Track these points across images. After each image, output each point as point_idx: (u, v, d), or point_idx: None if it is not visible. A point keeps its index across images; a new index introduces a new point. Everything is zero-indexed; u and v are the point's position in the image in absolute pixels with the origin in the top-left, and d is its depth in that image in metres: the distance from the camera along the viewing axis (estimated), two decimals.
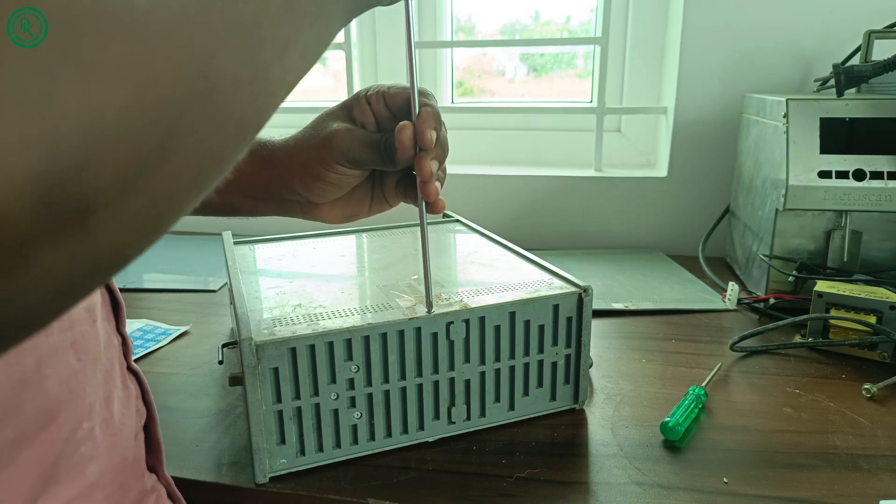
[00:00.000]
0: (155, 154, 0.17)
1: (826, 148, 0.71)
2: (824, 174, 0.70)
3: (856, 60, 0.79)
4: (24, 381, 0.31)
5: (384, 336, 0.46)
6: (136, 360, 0.64)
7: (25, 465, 0.31)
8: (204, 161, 0.20)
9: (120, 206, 0.17)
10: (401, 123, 0.44)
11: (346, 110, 0.49)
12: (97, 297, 0.38)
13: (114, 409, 0.38)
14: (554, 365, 0.52)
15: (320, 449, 0.47)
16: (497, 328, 0.49)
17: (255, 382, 0.44)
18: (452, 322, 0.48)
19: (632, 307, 0.77)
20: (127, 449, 0.39)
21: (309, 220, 0.53)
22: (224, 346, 0.66)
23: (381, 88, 0.48)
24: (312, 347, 0.45)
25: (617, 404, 0.56)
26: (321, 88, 1.34)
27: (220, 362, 0.64)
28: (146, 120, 0.17)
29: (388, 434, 0.49)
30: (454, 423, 0.50)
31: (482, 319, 0.49)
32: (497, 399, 0.51)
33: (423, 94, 0.46)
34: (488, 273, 0.57)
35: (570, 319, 0.52)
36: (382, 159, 0.46)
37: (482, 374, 0.50)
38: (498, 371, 0.50)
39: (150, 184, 0.18)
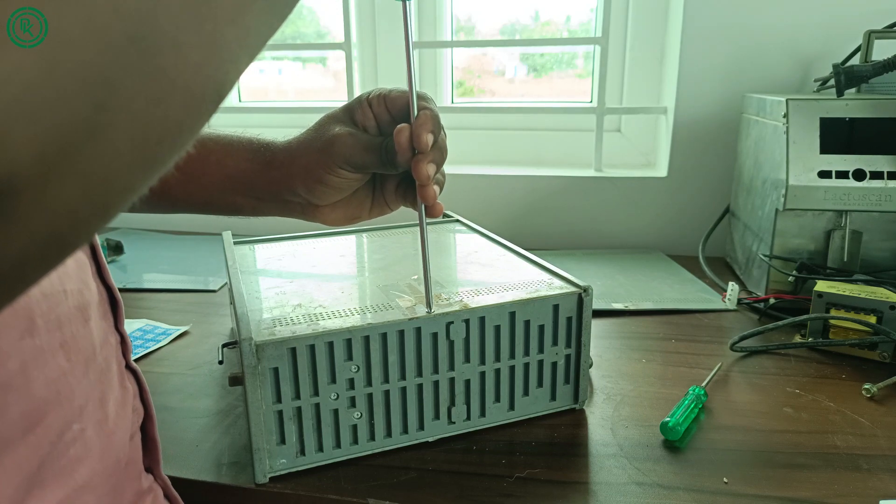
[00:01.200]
0: (80, 130, 0.16)
1: (826, 148, 0.71)
2: (824, 174, 0.70)
3: (856, 60, 0.79)
4: (6, 385, 0.30)
5: (384, 336, 0.46)
6: (136, 361, 0.65)
7: (7, 470, 0.31)
8: (145, 138, 0.17)
9: (45, 188, 0.16)
10: (399, 126, 0.45)
11: (348, 113, 0.49)
12: (91, 296, 0.38)
13: (109, 409, 0.38)
14: (554, 365, 0.52)
15: (320, 449, 0.47)
16: (497, 328, 0.49)
17: (255, 382, 0.44)
18: (452, 322, 0.48)
19: (632, 307, 0.77)
20: (121, 450, 0.39)
21: (309, 221, 0.53)
22: (224, 346, 0.66)
23: (382, 91, 0.48)
24: (312, 347, 0.45)
25: (617, 404, 0.56)
26: (321, 88, 1.34)
27: (220, 362, 0.64)
28: (63, 91, 0.15)
29: (388, 434, 0.49)
30: (454, 423, 0.50)
31: (482, 319, 0.49)
32: (497, 399, 0.51)
33: (421, 97, 0.46)
34: (488, 273, 0.57)
35: (570, 319, 0.52)
36: (383, 163, 0.47)
37: (482, 374, 0.50)
38: (498, 371, 0.50)
39: (79, 164, 0.16)
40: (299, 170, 0.49)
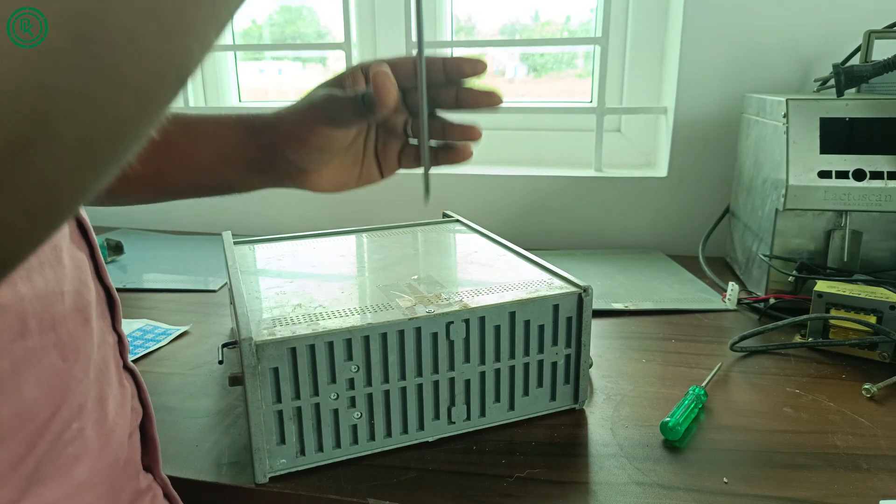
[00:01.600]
0: (9, 150, 0.14)
1: (826, 148, 0.70)
2: (824, 174, 0.70)
3: (856, 60, 0.79)
4: None
5: (384, 336, 0.46)
6: (135, 361, 0.65)
7: (2, 468, 0.31)
8: (92, 139, 0.16)
9: None
10: (374, 69, 0.45)
11: (337, 79, 0.51)
12: (91, 296, 0.38)
13: (108, 408, 0.38)
14: (554, 365, 0.52)
15: (320, 449, 0.47)
16: (497, 328, 0.49)
17: (255, 382, 0.44)
18: (452, 322, 0.48)
19: (632, 307, 0.77)
20: (120, 449, 0.39)
21: (299, 188, 0.54)
22: (224, 346, 0.66)
23: (384, 62, 0.49)
24: (312, 347, 0.45)
25: (617, 404, 0.56)
26: None
27: (220, 362, 0.64)
28: None
29: (388, 434, 0.49)
30: (454, 423, 0.50)
31: (482, 319, 0.49)
32: (497, 399, 0.51)
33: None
34: (488, 273, 0.57)
35: (570, 319, 0.52)
36: (363, 113, 0.47)
37: (482, 374, 0.50)
38: (498, 371, 0.50)
39: (10, 178, 0.14)
40: (285, 133, 0.50)
